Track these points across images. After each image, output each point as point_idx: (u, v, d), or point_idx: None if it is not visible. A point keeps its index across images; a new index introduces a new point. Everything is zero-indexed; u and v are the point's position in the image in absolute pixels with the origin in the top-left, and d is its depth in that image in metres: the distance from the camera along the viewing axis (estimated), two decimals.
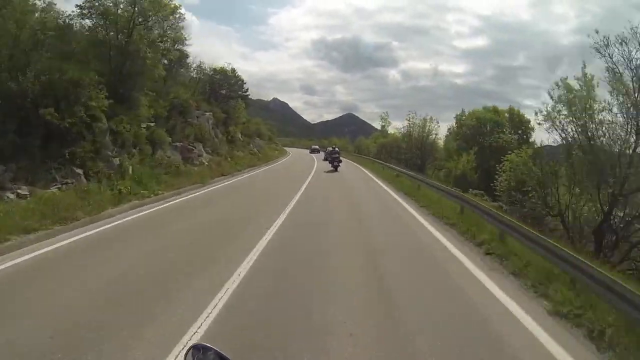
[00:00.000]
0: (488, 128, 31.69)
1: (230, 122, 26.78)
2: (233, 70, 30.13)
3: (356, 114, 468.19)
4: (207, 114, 21.92)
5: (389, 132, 48.81)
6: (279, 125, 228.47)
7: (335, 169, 23.26)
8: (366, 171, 25.42)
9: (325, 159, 26.99)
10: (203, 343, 1.00)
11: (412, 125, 39.97)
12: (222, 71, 28.31)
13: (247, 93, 34.04)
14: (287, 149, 54.32)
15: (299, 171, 22.96)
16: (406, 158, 37.55)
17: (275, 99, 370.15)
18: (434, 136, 40.06)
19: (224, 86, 28.25)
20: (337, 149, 25.73)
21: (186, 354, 0.98)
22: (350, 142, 67.92)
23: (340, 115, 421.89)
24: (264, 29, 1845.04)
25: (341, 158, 24.95)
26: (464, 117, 36.30)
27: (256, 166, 23.59)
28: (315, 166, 26.47)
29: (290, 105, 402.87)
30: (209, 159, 18.63)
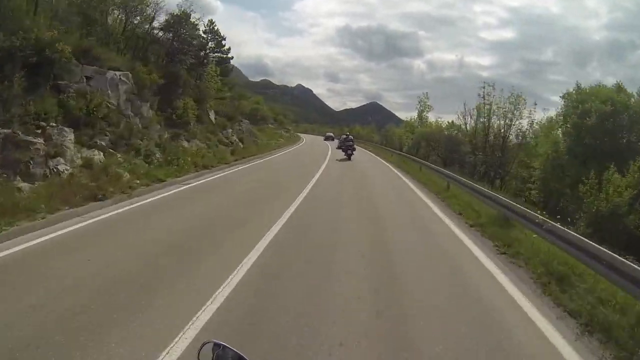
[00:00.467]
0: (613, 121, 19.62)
1: (185, 93, 17.19)
2: (211, 24, 23.21)
3: (381, 103, 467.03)
4: (114, 74, 11.62)
5: (429, 119, 38.13)
6: (302, 112, 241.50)
7: (349, 157, 22.37)
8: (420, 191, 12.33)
9: (339, 147, 25.71)
10: (219, 341, 0.96)
11: (487, 109, 25.10)
12: (182, 16, 17.00)
13: (228, 55, 26.32)
14: (303, 135, 51.06)
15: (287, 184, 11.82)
16: (475, 162, 25.15)
17: (299, 85, 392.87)
18: (528, 128, 24.68)
19: (182, 39, 17.02)
20: (350, 136, 24.72)
21: (200, 350, 0.94)
22: (376, 131, 61.23)
23: (364, 103, 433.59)
24: (288, 15, 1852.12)
25: (355, 146, 24.14)
26: (579, 100, 21.87)
27: (210, 170, 13.03)
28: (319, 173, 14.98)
29: (315, 92, 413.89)
30: (84, 161, 8.64)
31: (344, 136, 26.75)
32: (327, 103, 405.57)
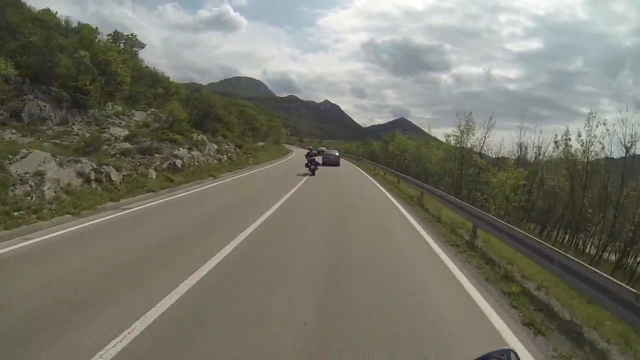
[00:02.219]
0: None
1: None
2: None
3: (409, 119, 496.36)
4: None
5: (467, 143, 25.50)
6: (330, 128, 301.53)
7: (313, 172, 18.86)
8: None
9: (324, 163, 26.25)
10: None
11: None
12: None
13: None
14: (292, 150, 45.88)
15: None
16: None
17: (326, 101, 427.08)
18: None
19: None
20: (315, 150, 22.93)
21: None
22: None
23: (392, 119, 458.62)
24: (312, 30, 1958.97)
25: (339, 159, 27.42)
26: None
27: None
28: None
29: (342, 108, 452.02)
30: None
31: (322, 149, 33.14)
32: (354, 119, 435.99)
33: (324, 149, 38.47)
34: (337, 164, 27.61)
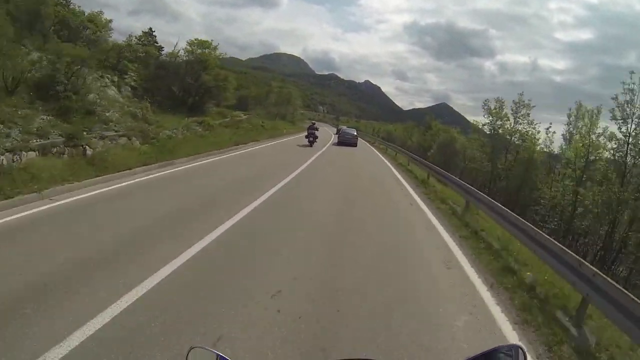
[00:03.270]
0: None
1: None
2: None
3: (450, 104, 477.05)
4: None
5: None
6: (369, 108, 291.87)
7: (310, 144, 20.19)
8: None
9: (339, 141, 24.89)
10: (205, 346, 0.93)
11: None
12: None
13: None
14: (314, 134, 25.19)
15: None
16: None
17: (367, 81, 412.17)
18: None
19: None
20: (315, 125, 22.16)
21: (187, 355, 0.91)
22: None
23: (433, 104, 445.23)
24: (354, 9, 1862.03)
25: (357, 139, 25.48)
26: None
27: None
28: None
29: (383, 89, 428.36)
30: None
31: (338, 127, 36.48)
32: (395, 101, 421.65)
33: (344, 127, 35.68)
34: (354, 144, 24.59)
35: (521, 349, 0.91)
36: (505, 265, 4.93)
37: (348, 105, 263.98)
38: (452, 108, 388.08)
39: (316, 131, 21.55)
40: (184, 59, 20.86)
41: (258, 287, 3.49)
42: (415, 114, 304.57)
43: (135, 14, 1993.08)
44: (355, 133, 26.20)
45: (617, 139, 19.43)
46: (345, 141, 24.44)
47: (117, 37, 20.45)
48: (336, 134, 20.83)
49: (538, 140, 24.73)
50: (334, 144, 24.25)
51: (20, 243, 4.07)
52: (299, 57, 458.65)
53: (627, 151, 18.79)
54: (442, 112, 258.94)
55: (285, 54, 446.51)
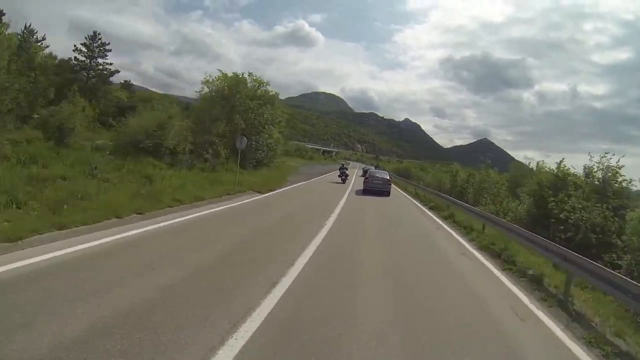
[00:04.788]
0: None
1: None
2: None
3: (491, 140, 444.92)
4: None
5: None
6: (410, 147, 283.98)
7: (343, 181, 22.10)
8: None
9: (364, 177, 21.62)
10: None
11: None
12: None
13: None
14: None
15: None
16: None
17: (407, 120, 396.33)
18: None
19: None
20: (346, 166, 27.91)
21: None
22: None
23: (473, 141, 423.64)
24: (388, 46, 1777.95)
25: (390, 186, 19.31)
26: None
27: None
28: None
29: (423, 127, 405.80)
30: None
31: (365, 168, 38.54)
32: (435, 139, 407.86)
33: (372, 167, 32.68)
34: (387, 193, 18.59)
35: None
36: None
37: (388, 144, 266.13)
38: (493, 144, 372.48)
39: (346, 170, 25.89)
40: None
41: None
42: (457, 151, 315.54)
43: (177, 55, 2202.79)
44: (388, 177, 20.38)
45: None
46: (373, 188, 18.65)
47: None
48: (362, 175, 18.70)
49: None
50: (357, 193, 18.90)
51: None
52: (338, 96, 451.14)
53: None
54: (484, 149, 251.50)
55: (324, 92, 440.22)
